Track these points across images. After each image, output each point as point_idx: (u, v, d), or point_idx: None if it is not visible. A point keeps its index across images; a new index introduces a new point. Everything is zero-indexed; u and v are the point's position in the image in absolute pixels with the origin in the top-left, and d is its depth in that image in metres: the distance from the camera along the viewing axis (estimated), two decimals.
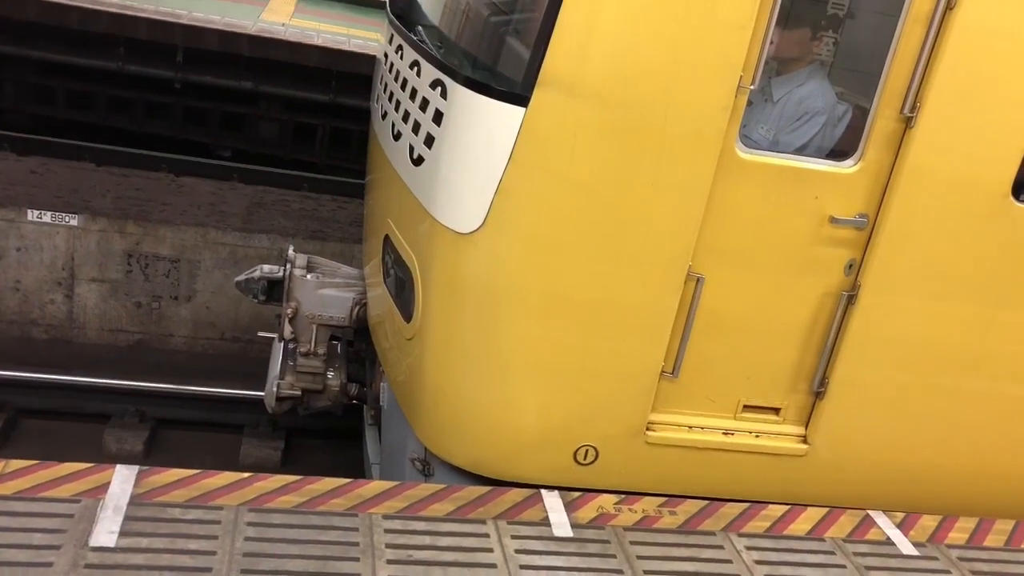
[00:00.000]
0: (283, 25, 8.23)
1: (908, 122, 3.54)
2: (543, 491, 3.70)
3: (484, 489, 3.68)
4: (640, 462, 3.94)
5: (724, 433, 3.98)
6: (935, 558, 3.71)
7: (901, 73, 3.51)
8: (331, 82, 7.88)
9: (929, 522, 3.94)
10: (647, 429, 3.89)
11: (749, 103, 3.55)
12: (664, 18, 3.34)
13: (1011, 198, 3.68)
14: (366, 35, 8.33)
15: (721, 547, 3.56)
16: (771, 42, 3.45)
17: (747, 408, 4.01)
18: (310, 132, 8.23)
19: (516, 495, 3.67)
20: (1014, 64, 3.52)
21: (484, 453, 3.96)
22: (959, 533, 3.90)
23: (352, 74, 7.61)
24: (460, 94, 3.67)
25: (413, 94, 4.05)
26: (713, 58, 3.37)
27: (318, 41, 7.87)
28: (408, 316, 4.05)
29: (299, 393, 5.17)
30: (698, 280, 3.66)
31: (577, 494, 3.74)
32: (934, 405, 4.08)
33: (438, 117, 3.76)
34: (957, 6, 3.39)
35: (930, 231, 3.72)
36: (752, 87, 3.44)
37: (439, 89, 3.78)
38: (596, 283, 3.65)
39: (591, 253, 3.61)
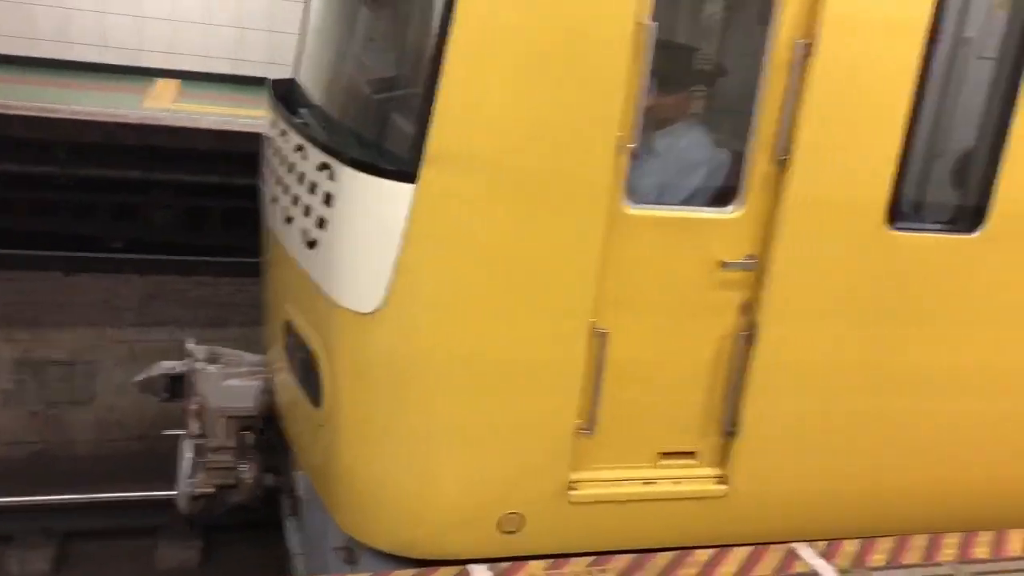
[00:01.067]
0: (167, 111, 8.11)
1: (782, 165, 3.69)
2: (470, 566, 3.65)
3: (410, 572, 3.60)
4: (566, 523, 3.93)
5: (645, 483, 4.01)
6: None
7: (771, 119, 3.66)
8: (222, 163, 7.79)
9: (851, 547, 4.03)
10: (569, 488, 3.89)
11: (635, 158, 3.65)
12: (541, 87, 3.42)
13: (885, 226, 3.86)
14: (254, 113, 8.27)
15: None
16: (647, 101, 3.57)
17: (664, 455, 4.05)
18: (203, 215, 8.09)
19: (445, 573, 3.60)
20: (873, 102, 3.72)
21: (408, 534, 3.89)
22: (880, 555, 4.00)
23: (243, 153, 7.53)
24: (348, 175, 3.67)
25: (301, 178, 4.02)
26: (591, 121, 3.46)
27: (205, 124, 7.79)
28: (317, 402, 3.97)
29: (213, 490, 4.99)
30: (603, 335, 3.71)
31: (506, 565, 3.70)
32: (844, 429, 4.20)
33: (328, 199, 3.74)
34: (815, 53, 3.57)
35: (815, 265, 3.86)
36: (632, 146, 3.54)
37: (327, 171, 3.77)
38: (503, 348, 3.66)
39: (495, 319, 3.63)
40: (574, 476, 3.90)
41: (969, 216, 4.03)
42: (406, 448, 3.77)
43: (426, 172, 3.43)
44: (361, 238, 3.65)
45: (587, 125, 3.46)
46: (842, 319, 3.99)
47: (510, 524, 3.85)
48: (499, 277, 3.58)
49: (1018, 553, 4.14)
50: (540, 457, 3.81)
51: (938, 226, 4.07)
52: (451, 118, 3.41)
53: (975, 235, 3.99)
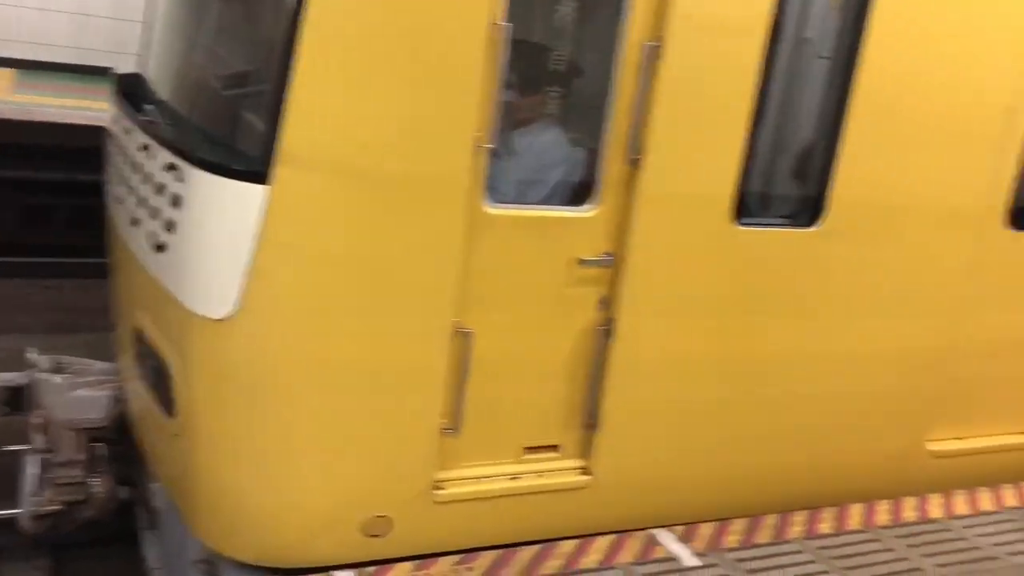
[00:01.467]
0: (2, 102, 7.59)
1: (635, 164, 3.79)
2: (335, 573, 3.60)
3: None
4: (433, 523, 3.93)
5: (510, 478, 4.05)
6: (716, 564, 3.96)
7: (623, 119, 3.76)
8: (66, 158, 7.35)
9: (707, 530, 4.20)
10: (435, 488, 3.89)
11: (494, 158, 3.66)
12: (397, 86, 3.38)
13: (732, 222, 4.03)
14: (100, 105, 7.83)
15: None
16: (504, 101, 3.59)
17: (529, 450, 4.11)
18: (47, 213, 7.63)
19: None
20: (718, 101, 3.87)
21: (271, 543, 3.79)
22: (734, 536, 4.19)
23: (88, 147, 7.12)
24: (197, 176, 3.53)
25: (147, 178, 3.84)
26: (448, 121, 3.45)
27: (45, 116, 7.33)
28: (171, 411, 3.82)
29: (61, 507, 4.73)
30: (466, 334, 3.72)
31: (372, 569, 3.67)
32: (698, 416, 4.36)
33: (176, 201, 3.59)
34: (663, 54, 3.67)
35: (669, 260, 3.99)
36: (489, 146, 3.55)
37: (174, 172, 3.62)
38: (363, 351, 3.61)
39: (354, 322, 3.57)
40: (440, 476, 3.90)
41: (809, 211, 4.25)
42: (265, 455, 3.67)
43: (279, 173, 3.34)
44: (212, 241, 3.52)
45: (444, 125, 3.45)
46: (695, 312, 4.14)
47: (376, 527, 3.82)
48: (358, 279, 3.53)
49: (858, 527, 4.42)
50: (404, 459, 3.79)
51: (781, 221, 4.28)
52: (305, 116, 3.33)
53: (814, 229, 4.21)
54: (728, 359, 4.31)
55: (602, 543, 4.01)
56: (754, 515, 4.41)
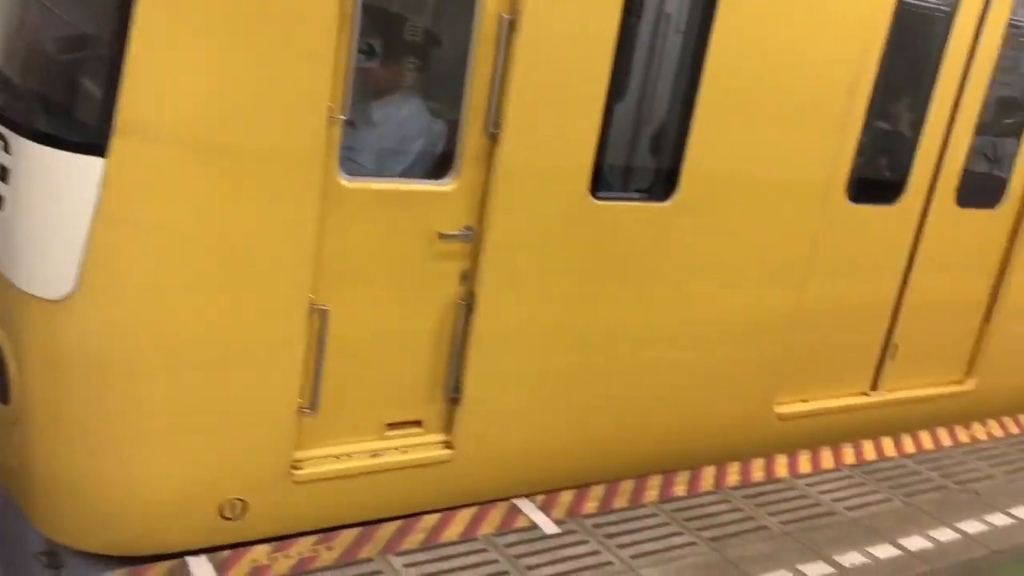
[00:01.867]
0: None
1: (493, 138, 3.77)
2: (188, 559, 3.49)
3: (122, 572, 3.38)
4: (292, 504, 3.85)
5: (372, 455, 4.02)
6: (574, 531, 4.05)
7: (481, 92, 3.73)
8: None
9: (567, 497, 4.30)
10: (293, 468, 3.81)
11: (353, 129, 3.57)
12: (243, 55, 3.24)
13: (590, 196, 4.09)
14: None
15: (381, 572, 3.60)
16: (360, 70, 3.50)
17: (391, 426, 4.08)
18: None
19: (159, 570, 3.42)
20: (575, 75, 3.89)
21: (119, 531, 3.63)
22: (592, 502, 4.30)
23: None
24: (27, 148, 3.30)
25: None
26: (298, 92, 3.34)
27: None
28: (5, 398, 3.58)
29: None
30: (322, 312, 3.64)
31: (228, 553, 3.57)
32: (558, 386, 4.42)
33: (4, 174, 3.35)
34: (519, 27, 3.66)
35: (527, 234, 4.01)
36: (344, 117, 3.46)
37: (1, 143, 3.37)
38: (213, 329, 3.48)
39: (204, 300, 3.44)
40: (298, 455, 3.83)
41: (664, 184, 4.36)
42: (108, 440, 3.50)
43: (117, 145, 3.15)
44: (45, 217, 3.31)
45: (294, 96, 3.33)
46: (554, 285, 4.19)
47: (232, 510, 3.71)
48: (206, 255, 3.39)
49: (710, 488, 4.62)
50: (260, 440, 3.70)
51: (637, 195, 4.37)
52: (143, 84, 3.15)
53: (668, 203, 4.32)
54: (586, 330, 4.39)
55: (464, 515, 4.04)
56: (613, 480, 4.54)
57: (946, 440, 5.66)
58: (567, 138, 3.95)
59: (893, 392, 5.76)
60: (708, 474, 4.76)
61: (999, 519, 4.73)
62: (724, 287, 4.71)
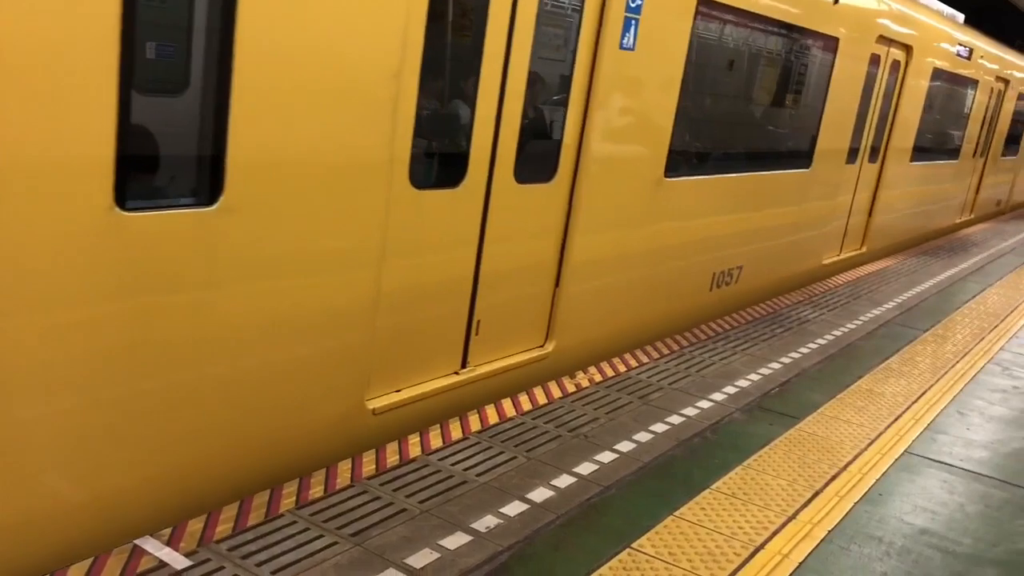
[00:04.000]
0: None
1: None
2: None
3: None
4: None
5: None
6: (207, 559, 3.78)
7: None
8: None
9: (196, 526, 3.99)
10: None
11: None
12: None
13: (115, 207, 3.50)
14: None
15: None
16: None
17: None
18: None
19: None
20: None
21: None
22: (225, 525, 4.05)
23: None
24: None
25: None
26: None
27: None
28: None
29: None
30: None
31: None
32: (132, 415, 3.87)
33: None
34: None
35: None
36: None
37: None
38: None
39: None
40: None
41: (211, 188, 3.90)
42: None
43: None
44: None
45: None
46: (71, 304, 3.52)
47: None
48: None
49: (347, 483, 4.58)
50: None
51: (179, 201, 3.90)
52: None
53: (214, 207, 3.90)
54: (144, 350, 3.82)
55: (75, 572, 3.57)
56: (246, 496, 4.31)
57: (556, 392, 6.19)
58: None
59: (482, 367, 5.95)
60: (344, 468, 4.72)
61: (607, 456, 5.27)
62: (293, 284, 4.36)
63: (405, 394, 5.39)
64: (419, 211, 5.11)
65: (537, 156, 6.07)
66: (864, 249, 12.83)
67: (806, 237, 10.56)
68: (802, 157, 9.91)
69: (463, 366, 5.87)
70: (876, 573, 4.37)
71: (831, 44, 9.64)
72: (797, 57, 9.38)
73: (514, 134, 5.61)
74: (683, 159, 7.70)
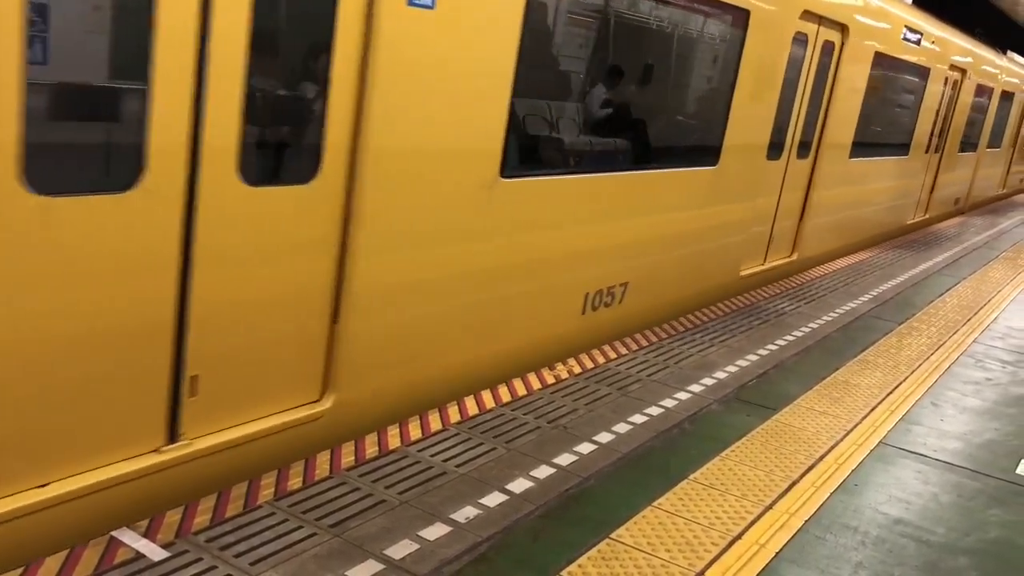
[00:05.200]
0: None
1: None
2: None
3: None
4: None
5: None
6: (185, 551, 3.76)
7: None
8: None
9: (173, 517, 3.97)
10: None
11: None
12: None
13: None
14: None
15: None
16: None
17: None
18: None
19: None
20: None
21: None
22: (203, 516, 4.03)
23: None
24: None
25: None
26: None
27: None
28: None
29: None
30: None
31: None
32: None
33: None
34: None
35: None
36: None
37: None
38: None
39: None
40: None
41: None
42: None
43: None
44: None
45: None
46: None
47: None
48: None
49: (325, 474, 4.57)
50: None
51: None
52: None
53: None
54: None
55: (51, 564, 3.54)
56: (223, 487, 4.29)
57: (536, 384, 6.20)
58: None
59: (203, 439, 4.40)
60: (323, 459, 4.70)
61: (586, 447, 5.29)
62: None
63: (52, 491, 3.79)
64: (44, 228, 3.50)
65: (281, 148, 4.65)
66: (795, 256, 11.18)
67: (717, 246, 9.02)
68: (706, 153, 8.34)
69: (171, 440, 4.27)
70: (852, 562, 4.42)
71: (739, 18, 7.99)
72: (689, 32, 7.90)
73: (234, 117, 4.03)
74: (528, 154, 6.31)
